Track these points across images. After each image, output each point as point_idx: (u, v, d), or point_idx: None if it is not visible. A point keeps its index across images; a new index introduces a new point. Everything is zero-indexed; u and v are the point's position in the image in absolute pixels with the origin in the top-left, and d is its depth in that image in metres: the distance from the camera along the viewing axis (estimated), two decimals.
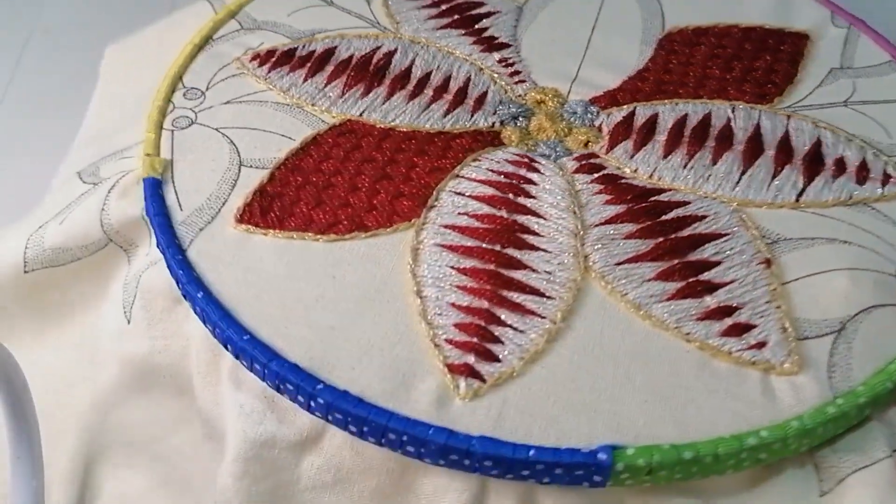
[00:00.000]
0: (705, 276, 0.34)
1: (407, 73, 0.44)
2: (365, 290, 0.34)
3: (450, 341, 0.32)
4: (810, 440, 0.30)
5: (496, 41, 0.47)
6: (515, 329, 0.33)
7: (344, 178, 0.39)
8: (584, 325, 0.33)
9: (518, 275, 0.34)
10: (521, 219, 0.37)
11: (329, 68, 0.44)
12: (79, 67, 0.60)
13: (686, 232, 0.36)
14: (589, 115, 0.43)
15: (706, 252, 0.35)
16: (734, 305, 0.33)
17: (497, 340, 0.32)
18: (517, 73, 0.45)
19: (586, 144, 0.41)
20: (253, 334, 0.33)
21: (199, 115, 0.42)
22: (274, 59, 0.45)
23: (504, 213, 0.37)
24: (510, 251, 0.35)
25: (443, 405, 0.31)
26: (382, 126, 0.41)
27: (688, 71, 0.45)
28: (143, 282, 0.36)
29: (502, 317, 0.33)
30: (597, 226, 0.37)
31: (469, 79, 0.44)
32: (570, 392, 0.31)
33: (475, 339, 0.32)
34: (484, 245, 0.36)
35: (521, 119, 0.43)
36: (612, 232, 0.36)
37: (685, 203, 0.37)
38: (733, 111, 0.42)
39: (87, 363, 0.38)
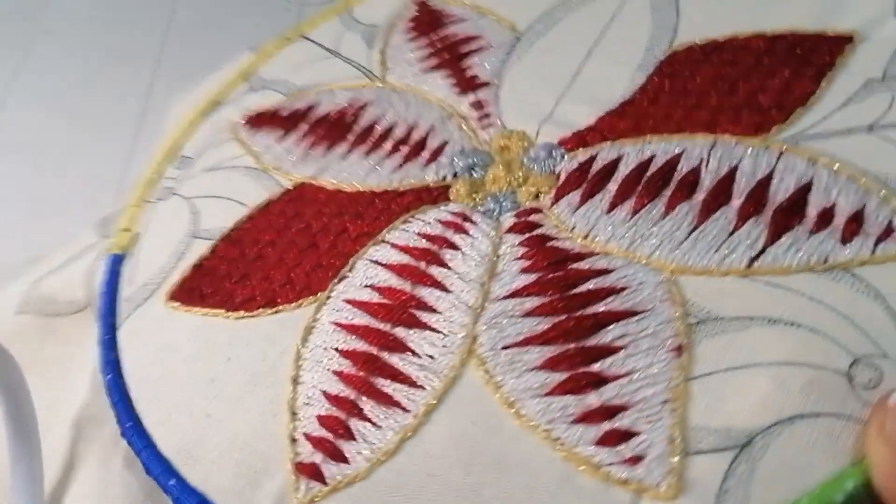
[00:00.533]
0: (597, 366, 0.29)
1: (372, 127, 0.43)
2: (252, 373, 0.34)
3: (307, 436, 0.31)
4: None
5: (476, 81, 0.43)
6: (374, 424, 0.30)
7: (276, 249, 0.38)
8: (448, 421, 0.30)
9: (396, 359, 0.32)
10: (423, 292, 0.34)
11: (304, 127, 0.44)
12: (81, 68, 0.64)
13: (594, 308, 0.31)
14: (552, 161, 0.38)
15: (610, 335, 0.30)
16: (620, 405, 0.28)
17: (352, 437, 0.30)
18: (486, 115, 0.41)
19: (537, 196, 0.37)
20: (136, 421, 0.33)
21: (181, 184, 0.44)
22: (261, 121, 0.46)
23: (408, 287, 0.34)
24: (399, 331, 0.33)
25: None
26: (332, 188, 0.40)
27: (678, 101, 0.38)
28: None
29: (366, 409, 0.31)
30: (499, 299, 0.32)
31: (433, 126, 0.41)
32: (407, 501, 0.28)
33: (330, 436, 0.30)
34: (373, 324, 0.33)
35: (476, 170, 0.39)
36: (510, 308, 0.32)
37: (607, 272, 0.32)
38: (711, 149, 0.35)
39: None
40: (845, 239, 0.30)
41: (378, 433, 0.30)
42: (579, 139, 0.38)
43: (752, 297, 0.29)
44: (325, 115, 0.44)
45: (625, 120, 0.38)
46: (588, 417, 0.28)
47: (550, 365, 0.30)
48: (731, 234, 0.31)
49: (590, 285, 0.31)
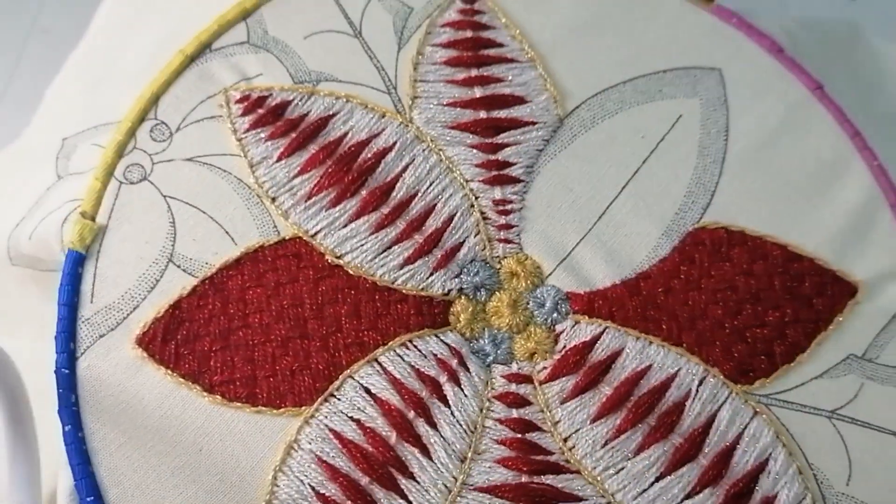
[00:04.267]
0: None
1: (390, 188, 0.39)
2: (222, 478, 0.34)
3: None
4: None
5: (507, 172, 0.41)
6: None
7: (263, 319, 0.37)
8: None
9: None
10: (406, 453, 0.35)
11: (312, 148, 0.40)
12: None
13: None
14: (555, 315, 0.39)
15: None
16: None
17: None
18: (509, 226, 0.40)
19: (532, 356, 0.38)
20: (98, 494, 0.34)
21: (155, 167, 0.39)
22: (261, 112, 0.40)
23: (392, 439, 0.35)
24: (374, 490, 0.35)
25: None
26: (331, 259, 0.38)
27: (689, 298, 0.39)
28: None
29: None
30: (475, 490, 0.35)
31: (452, 219, 0.39)
32: None
33: None
34: (353, 474, 0.35)
35: (482, 291, 0.39)
36: None
37: (576, 499, 0.35)
38: (700, 384, 0.37)
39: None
40: None
41: None
42: (588, 304, 0.39)
43: None
44: (338, 142, 0.40)
45: (635, 299, 0.39)
46: None
47: None
48: (688, 497, 0.35)
49: None
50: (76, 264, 0.37)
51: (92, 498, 0.33)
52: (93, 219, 0.38)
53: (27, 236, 0.38)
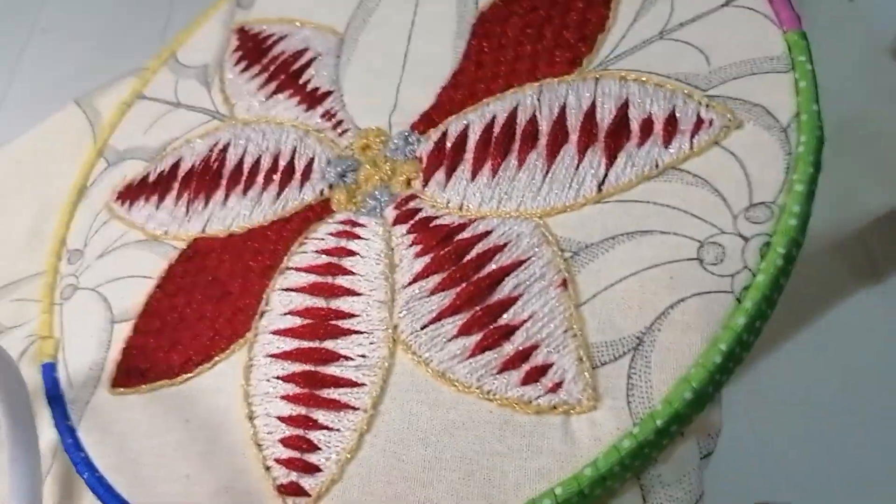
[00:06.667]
0: (504, 318, 0.33)
1: (240, 165, 0.45)
2: (211, 426, 0.37)
3: (278, 460, 0.34)
4: (615, 480, 0.29)
5: (318, 92, 0.46)
6: (331, 429, 0.34)
7: (193, 308, 0.41)
8: (394, 406, 0.34)
9: (332, 369, 0.35)
10: (338, 303, 0.37)
11: (175, 185, 0.46)
12: (77, 67, 0.63)
13: (486, 269, 0.35)
14: (411, 146, 0.42)
15: (506, 289, 0.34)
16: (531, 345, 0.32)
17: (316, 448, 0.34)
18: (340, 122, 0.44)
19: (409, 183, 0.40)
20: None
21: (80, 278, 0.46)
22: (132, 194, 0.47)
23: (322, 302, 0.38)
24: (328, 343, 0.36)
25: None
26: (223, 236, 0.43)
27: (498, 57, 0.42)
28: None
29: (319, 419, 0.34)
30: (406, 286, 0.36)
31: (295, 149, 0.44)
32: (384, 486, 0.32)
33: (297, 454, 0.34)
34: (303, 344, 0.37)
35: (349, 175, 0.42)
36: (417, 291, 0.36)
37: (488, 233, 0.36)
38: (539, 96, 0.39)
39: None
40: (667, 142, 0.35)
41: (338, 436, 0.34)
42: (428, 120, 0.42)
43: (609, 218, 0.34)
44: (191, 168, 0.46)
45: (460, 90, 0.42)
46: (508, 365, 0.32)
47: (465, 331, 0.34)
48: (577, 168, 0.36)
49: (477, 250, 0.36)
50: (51, 371, 0.42)
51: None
52: (51, 338, 0.44)
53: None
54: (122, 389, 0.40)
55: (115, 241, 0.46)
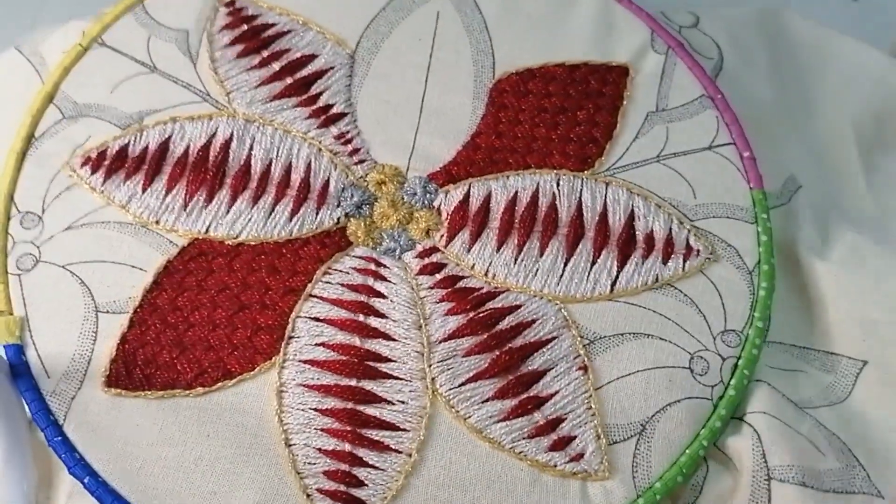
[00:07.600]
0: (534, 389, 0.40)
1: (247, 167, 0.45)
2: (239, 445, 0.38)
3: (321, 490, 0.38)
4: None
5: (332, 111, 0.47)
6: (376, 468, 0.38)
7: (202, 314, 0.41)
8: (435, 454, 0.39)
9: (374, 410, 0.39)
10: (373, 345, 0.41)
11: (167, 169, 0.44)
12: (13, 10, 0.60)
13: (518, 341, 0.41)
14: (428, 196, 0.45)
15: (535, 362, 0.41)
16: (558, 418, 0.39)
17: (361, 484, 0.38)
18: (356, 150, 0.46)
19: (427, 232, 0.44)
20: None
21: (41, 249, 0.42)
22: (108, 164, 0.44)
23: (357, 341, 0.41)
24: (366, 384, 0.40)
25: None
26: (231, 242, 0.43)
27: (516, 132, 0.47)
28: None
29: (364, 457, 0.38)
30: (441, 341, 0.41)
31: (310, 166, 0.45)
32: None
33: (342, 487, 0.38)
34: (341, 382, 0.40)
35: (364, 207, 0.45)
36: (454, 348, 0.41)
37: (517, 307, 0.42)
38: (558, 184, 0.45)
39: None
40: (665, 260, 0.44)
41: (383, 475, 0.38)
42: (447, 175, 0.46)
43: (619, 316, 0.42)
44: (185, 153, 0.45)
45: (479, 153, 0.46)
46: (539, 432, 0.39)
47: (500, 395, 0.40)
48: (594, 264, 0.43)
49: (509, 321, 0.41)
50: (18, 354, 0.39)
51: None
52: (11, 314, 0.41)
53: None
54: (121, 391, 0.39)
55: (86, 215, 0.43)
